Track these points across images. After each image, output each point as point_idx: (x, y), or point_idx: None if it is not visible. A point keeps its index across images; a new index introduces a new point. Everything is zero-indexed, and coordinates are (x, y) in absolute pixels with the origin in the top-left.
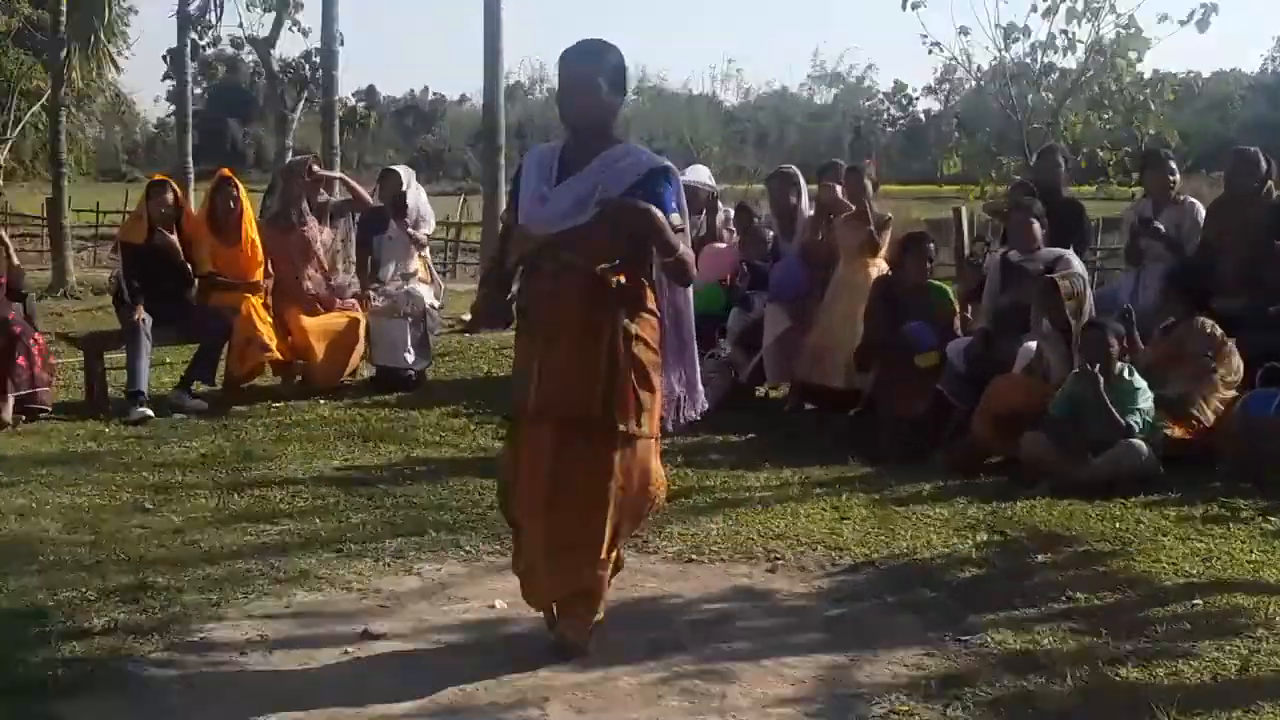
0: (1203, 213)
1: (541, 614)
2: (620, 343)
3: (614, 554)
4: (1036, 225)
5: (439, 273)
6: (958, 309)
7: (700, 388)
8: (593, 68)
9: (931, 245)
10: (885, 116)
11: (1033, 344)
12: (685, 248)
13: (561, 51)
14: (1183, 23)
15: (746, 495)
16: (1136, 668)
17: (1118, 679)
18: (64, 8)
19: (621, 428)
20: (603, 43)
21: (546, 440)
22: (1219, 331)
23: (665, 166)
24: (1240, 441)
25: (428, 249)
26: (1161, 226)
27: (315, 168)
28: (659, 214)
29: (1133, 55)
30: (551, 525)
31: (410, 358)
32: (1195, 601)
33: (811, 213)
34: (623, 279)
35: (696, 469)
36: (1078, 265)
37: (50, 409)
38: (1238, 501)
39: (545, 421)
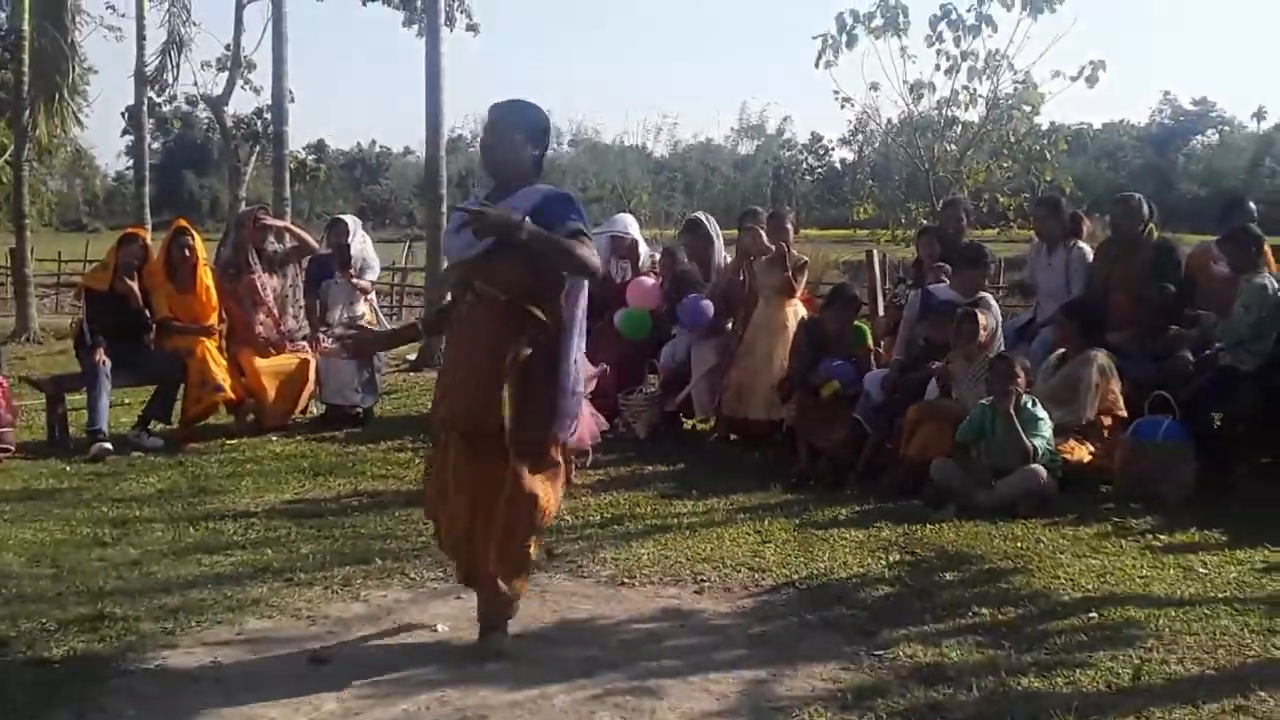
0: (1090, 255)
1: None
2: (520, 367)
3: (516, 552)
4: (983, 278)
5: (385, 315)
6: (872, 346)
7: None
8: (512, 123)
9: (855, 297)
10: (804, 165)
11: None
12: (581, 249)
13: (490, 105)
14: (1074, 78)
15: (675, 521)
16: (1037, 677)
17: (1019, 688)
18: (27, 68)
19: (515, 448)
20: (525, 102)
21: (452, 447)
22: (1110, 363)
23: (565, 193)
24: (1130, 465)
25: (373, 293)
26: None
27: (263, 217)
28: (517, 217)
29: (1029, 109)
30: (450, 517)
31: (358, 396)
32: (1091, 614)
33: (727, 258)
34: (538, 312)
35: (628, 496)
36: (994, 306)
37: (13, 449)
38: (1129, 520)
39: (452, 431)
